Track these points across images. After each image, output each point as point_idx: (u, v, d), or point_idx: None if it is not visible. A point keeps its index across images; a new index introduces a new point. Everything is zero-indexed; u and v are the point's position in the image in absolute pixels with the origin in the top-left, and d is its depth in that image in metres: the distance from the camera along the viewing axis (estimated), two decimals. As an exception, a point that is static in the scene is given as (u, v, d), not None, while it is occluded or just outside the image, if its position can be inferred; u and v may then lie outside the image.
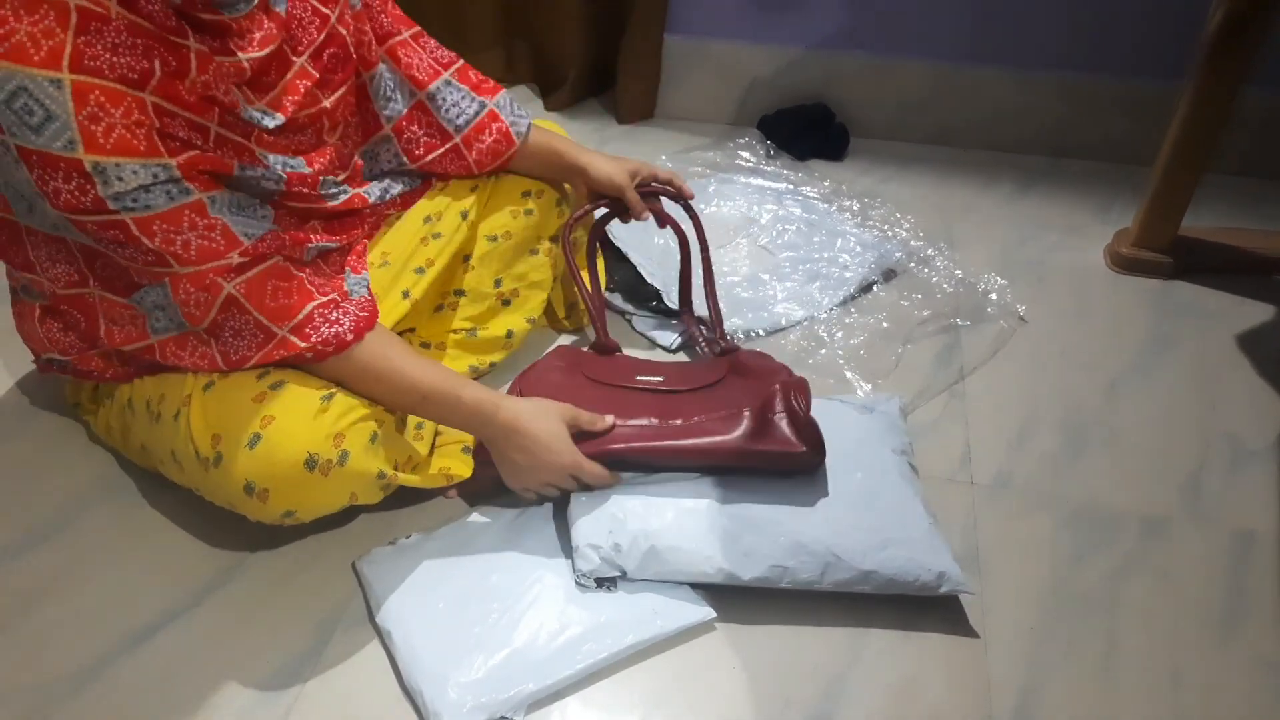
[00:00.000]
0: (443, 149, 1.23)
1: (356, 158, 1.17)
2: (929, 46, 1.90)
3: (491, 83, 1.26)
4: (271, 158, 1.00)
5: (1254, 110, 1.71)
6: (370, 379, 1.01)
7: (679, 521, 1.07)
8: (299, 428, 0.95)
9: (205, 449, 0.95)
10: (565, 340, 1.44)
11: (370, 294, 1.07)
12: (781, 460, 1.08)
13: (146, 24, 0.85)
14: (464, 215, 1.24)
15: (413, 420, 1.14)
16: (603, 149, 1.89)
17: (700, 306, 1.41)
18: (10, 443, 1.24)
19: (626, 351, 1.37)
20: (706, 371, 1.24)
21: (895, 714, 0.98)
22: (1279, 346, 1.49)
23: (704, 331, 1.40)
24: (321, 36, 1.04)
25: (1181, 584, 1.12)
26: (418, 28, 1.21)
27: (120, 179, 0.85)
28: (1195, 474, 1.27)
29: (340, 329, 0.98)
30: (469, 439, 1.16)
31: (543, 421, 1.06)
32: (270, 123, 0.98)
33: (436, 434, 1.17)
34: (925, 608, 1.07)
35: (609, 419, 1.10)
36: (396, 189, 1.22)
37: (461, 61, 1.24)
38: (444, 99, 1.21)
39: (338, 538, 1.12)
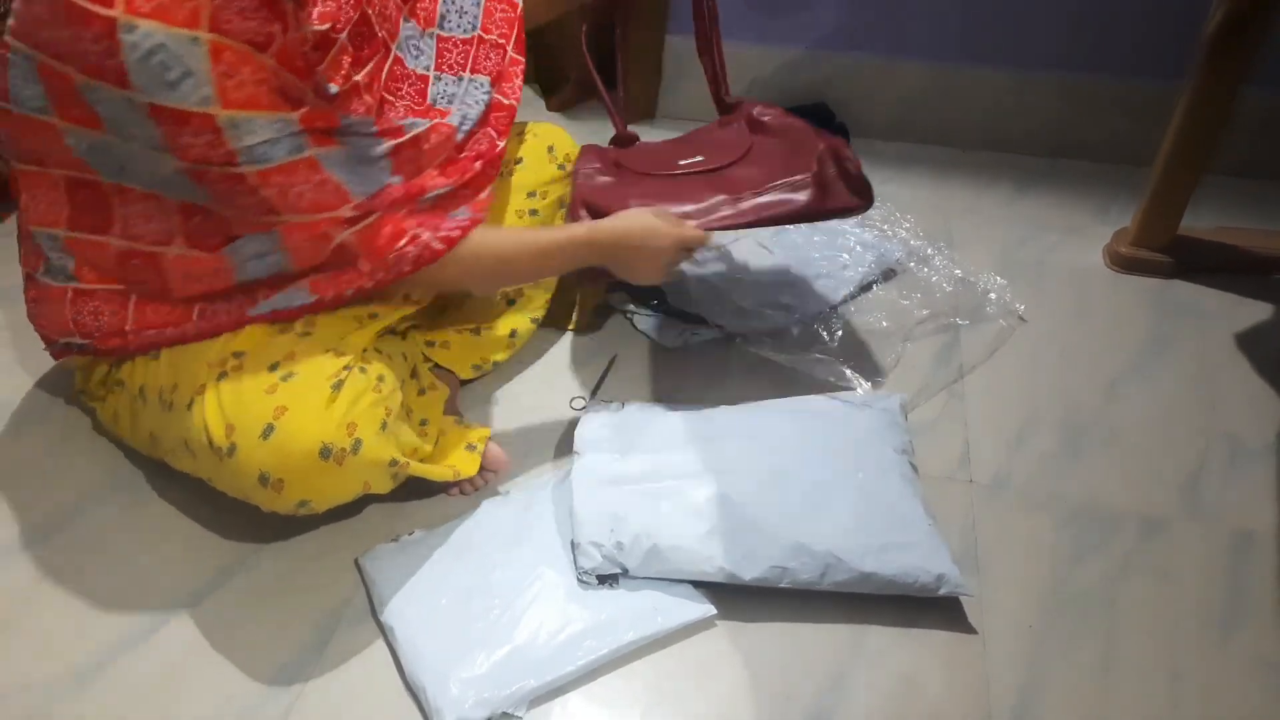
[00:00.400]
0: (473, 49, 1.23)
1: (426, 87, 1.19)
2: (929, 47, 1.90)
3: None
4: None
5: (1253, 110, 1.71)
6: (470, 277, 1.13)
7: (681, 521, 1.07)
8: (311, 417, 0.95)
9: (219, 439, 0.96)
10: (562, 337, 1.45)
11: (471, 214, 1.12)
12: (845, 214, 1.28)
13: None
14: None
15: (417, 417, 1.15)
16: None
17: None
18: (16, 438, 1.24)
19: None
20: (735, 139, 1.37)
21: (895, 711, 0.98)
22: (1278, 346, 1.49)
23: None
24: (356, 15, 1.06)
25: (1180, 583, 1.12)
26: None
27: (251, 132, 0.88)
28: (1194, 473, 1.27)
29: (431, 245, 1.03)
30: (473, 437, 1.16)
31: (636, 222, 1.15)
32: (331, 89, 1.00)
33: (441, 432, 1.17)
34: (925, 607, 1.07)
35: (688, 207, 1.19)
36: (473, 112, 1.21)
37: None
38: (449, 6, 1.21)
39: (340, 534, 1.13)
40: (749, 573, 1.04)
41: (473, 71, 1.22)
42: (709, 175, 1.31)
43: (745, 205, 1.24)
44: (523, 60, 1.25)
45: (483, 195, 1.16)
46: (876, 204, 1.79)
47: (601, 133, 2.01)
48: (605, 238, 1.14)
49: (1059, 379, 1.42)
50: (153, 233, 1.00)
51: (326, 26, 0.98)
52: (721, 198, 1.24)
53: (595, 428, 1.21)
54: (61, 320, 1.07)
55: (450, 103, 1.20)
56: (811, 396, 1.29)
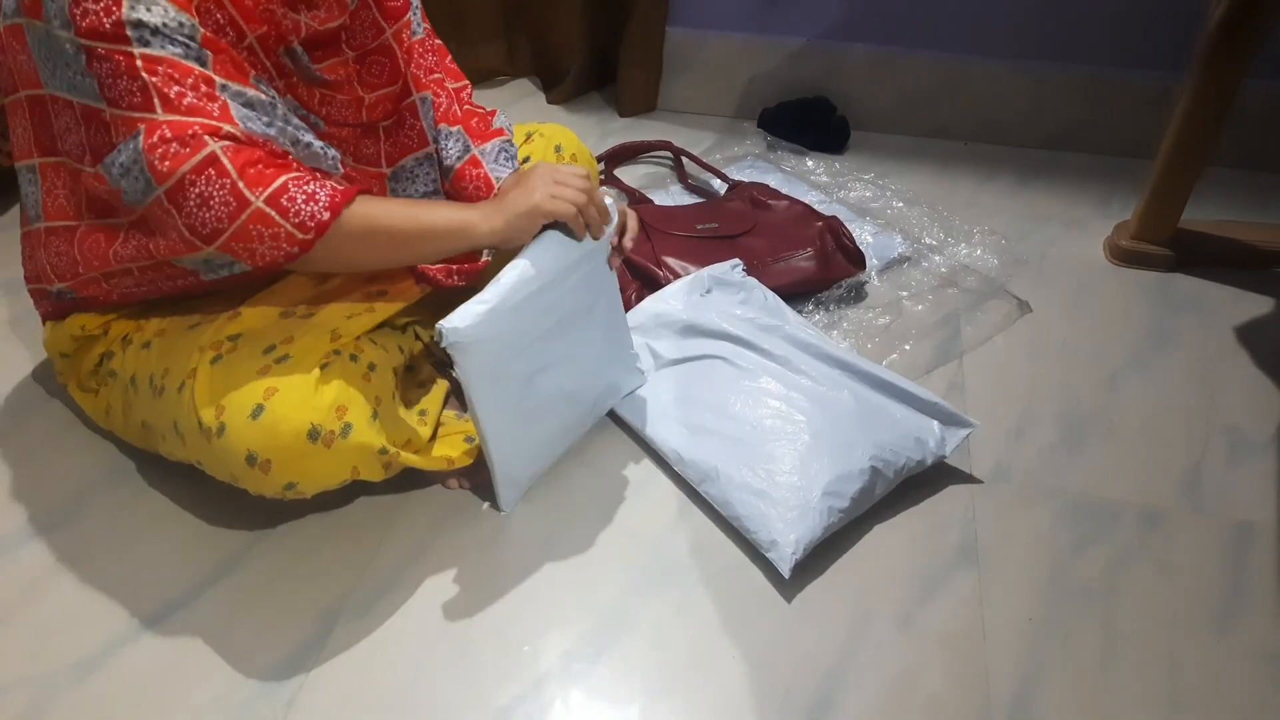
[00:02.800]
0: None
1: (384, 169, 1.16)
2: (930, 39, 1.90)
3: (496, 128, 1.25)
4: (292, 101, 1.01)
5: (1255, 103, 1.70)
6: (358, 250, 0.99)
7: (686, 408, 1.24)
8: (301, 399, 0.96)
9: (209, 419, 0.96)
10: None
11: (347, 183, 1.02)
12: (843, 280, 1.52)
13: None
14: None
15: (415, 409, 1.15)
16: (604, 142, 1.91)
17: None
18: (14, 433, 1.24)
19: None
20: (743, 212, 1.60)
21: (894, 703, 0.99)
22: (1278, 339, 1.49)
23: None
24: (374, 44, 1.07)
25: (1180, 576, 1.13)
26: (464, 81, 1.24)
27: (149, 9, 0.85)
28: (1194, 466, 1.27)
29: (316, 206, 0.92)
30: (471, 429, 1.16)
31: (523, 176, 1.08)
32: (316, 74, 1.00)
33: (439, 424, 1.17)
34: (925, 596, 1.07)
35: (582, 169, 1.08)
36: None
37: (485, 110, 1.25)
38: (441, 142, 1.21)
39: (340, 528, 1.13)
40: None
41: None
42: (726, 241, 1.52)
43: (761, 274, 1.44)
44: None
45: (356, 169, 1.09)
46: (877, 197, 1.81)
47: (601, 125, 2.02)
48: (493, 204, 1.05)
49: (1059, 371, 1.42)
50: (74, 145, 0.96)
51: (326, 28, 0.99)
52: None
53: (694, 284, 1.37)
54: (42, 266, 1.06)
55: (400, 188, 1.19)
56: (896, 405, 1.24)
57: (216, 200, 0.89)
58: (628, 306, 1.35)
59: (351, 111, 1.07)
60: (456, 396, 1.29)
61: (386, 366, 1.06)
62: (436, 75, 1.21)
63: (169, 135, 0.88)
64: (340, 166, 1.03)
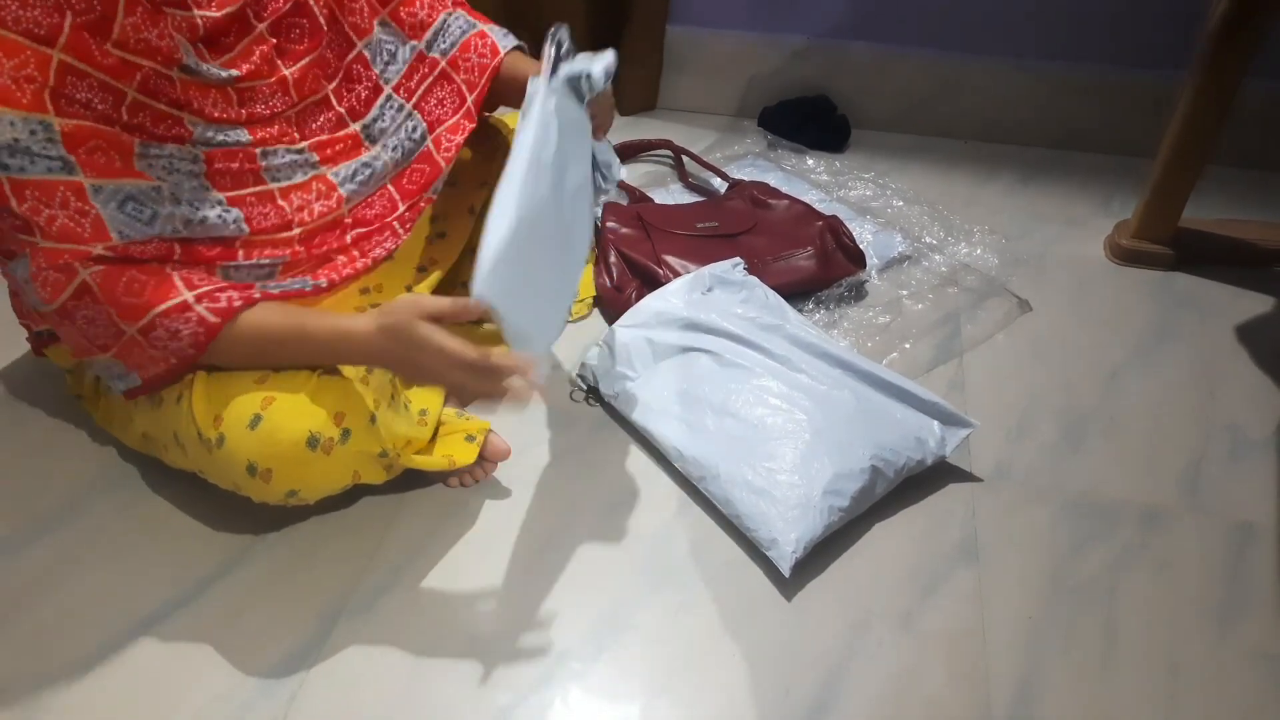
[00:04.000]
0: (432, 76, 1.16)
1: (355, 127, 1.12)
2: (931, 38, 1.89)
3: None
4: (203, 127, 0.97)
5: (1255, 102, 1.70)
6: (232, 362, 0.97)
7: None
8: (299, 407, 0.95)
9: (208, 430, 0.96)
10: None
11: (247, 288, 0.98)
12: (843, 279, 1.52)
13: None
14: (471, 210, 1.24)
15: (416, 405, 1.14)
16: (604, 140, 1.90)
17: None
18: (13, 435, 1.24)
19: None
20: (743, 211, 1.60)
21: (895, 703, 0.99)
22: (1278, 338, 1.49)
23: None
24: (287, 5, 1.03)
25: (1180, 575, 1.13)
26: None
27: None
28: (1195, 465, 1.27)
29: (181, 344, 0.93)
30: (472, 428, 1.16)
31: (397, 332, 0.92)
32: (223, 75, 0.96)
33: (440, 423, 1.17)
34: (925, 594, 1.07)
35: (473, 302, 0.89)
36: (368, 172, 1.12)
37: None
38: (441, 30, 1.16)
39: (341, 527, 1.13)
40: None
41: (415, 107, 1.15)
42: (727, 240, 1.52)
43: (763, 274, 1.44)
44: (474, 124, 1.16)
45: (333, 271, 1.05)
46: (877, 195, 1.81)
47: (602, 124, 2.02)
48: (361, 338, 0.94)
49: (1060, 370, 1.42)
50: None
51: (224, 13, 0.95)
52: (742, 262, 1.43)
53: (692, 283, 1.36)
54: (26, 309, 1.07)
55: (379, 136, 1.13)
56: (896, 405, 1.24)
57: (100, 322, 0.92)
58: (628, 305, 1.35)
59: (279, 99, 1.03)
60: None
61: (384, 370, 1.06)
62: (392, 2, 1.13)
63: (44, 265, 0.89)
64: (246, 227, 1.01)
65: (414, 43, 1.14)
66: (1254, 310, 1.55)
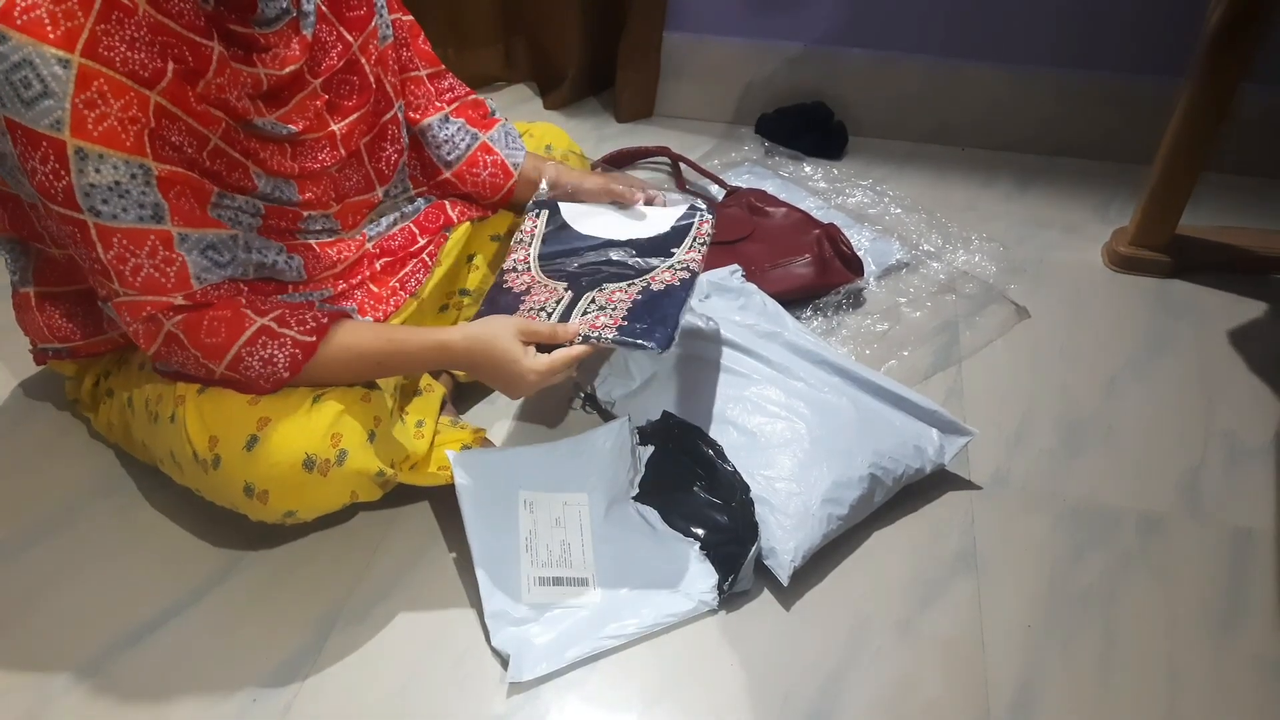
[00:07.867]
0: (431, 182, 1.24)
1: (378, 192, 1.16)
2: (928, 44, 1.90)
3: (493, 116, 1.27)
4: (265, 180, 1.00)
5: (1253, 109, 1.71)
6: (326, 380, 0.99)
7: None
8: (295, 429, 0.95)
9: (203, 451, 0.96)
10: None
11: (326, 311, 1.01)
12: (841, 286, 1.52)
13: (172, 23, 0.86)
14: (494, 238, 1.29)
15: (412, 419, 1.14)
16: (601, 147, 1.91)
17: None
18: (10, 440, 1.24)
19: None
20: (741, 218, 1.60)
21: (893, 710, 0.98)
22: (1276, 345, 1.49)
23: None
24: (340, 63, 1.05)
25: (1179, 582, 1.12)
26: (440, 66, 1.22)
27: (98, 170, 0.84)
28: (1193, 472, 1.27)
29: (275, 368, 0.94)
30: (468, 438, 1.16)
31: (492, 346, 1.00)
32: (283, 130, 0.99)
33: (436, 433, 1.17)
34: (924, 602, 1.07)
35: (571, 327, 1.03)
36: (385, 220, 1.19)
37: (472, 96, 1.25)
38: (434, 135, 1.21)
39: (336, 535, 1.12)
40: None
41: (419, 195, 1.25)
42: (726, 246, 1.52)
43: (762, 280, 1.44)
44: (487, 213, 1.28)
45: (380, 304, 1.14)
46: (875, 203, 1.81)
47: (598, 130, 2.02)
48: (458, 349, 1.02)
49: (1058, 377, 1.42)
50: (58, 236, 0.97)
51: (288, 71, 0.97)
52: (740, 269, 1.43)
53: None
54: (36, 325, 1.08)
55: (394, 199, 1.21)
56: (895, 412, 1.23)
57: (191, 365, 0.95)
58: None
59: (327, 152, 1.06)
60: (453, 401, 1.29)
61: (386, 386, 1.05)
62: (413, 73, 1.19)
63: (128, 319, 0.93)
64: (305, 273, 1.06)
65: (410, 126, 1.20)
66: (1251, 317, 1.55)
